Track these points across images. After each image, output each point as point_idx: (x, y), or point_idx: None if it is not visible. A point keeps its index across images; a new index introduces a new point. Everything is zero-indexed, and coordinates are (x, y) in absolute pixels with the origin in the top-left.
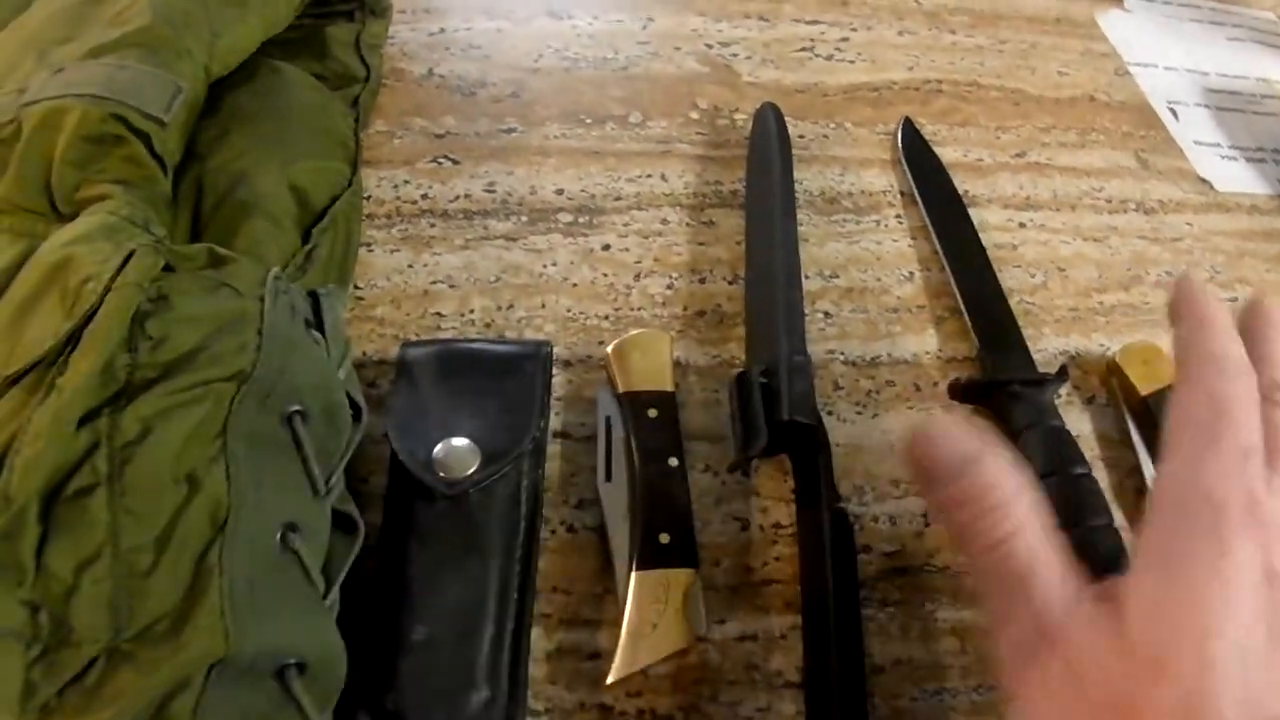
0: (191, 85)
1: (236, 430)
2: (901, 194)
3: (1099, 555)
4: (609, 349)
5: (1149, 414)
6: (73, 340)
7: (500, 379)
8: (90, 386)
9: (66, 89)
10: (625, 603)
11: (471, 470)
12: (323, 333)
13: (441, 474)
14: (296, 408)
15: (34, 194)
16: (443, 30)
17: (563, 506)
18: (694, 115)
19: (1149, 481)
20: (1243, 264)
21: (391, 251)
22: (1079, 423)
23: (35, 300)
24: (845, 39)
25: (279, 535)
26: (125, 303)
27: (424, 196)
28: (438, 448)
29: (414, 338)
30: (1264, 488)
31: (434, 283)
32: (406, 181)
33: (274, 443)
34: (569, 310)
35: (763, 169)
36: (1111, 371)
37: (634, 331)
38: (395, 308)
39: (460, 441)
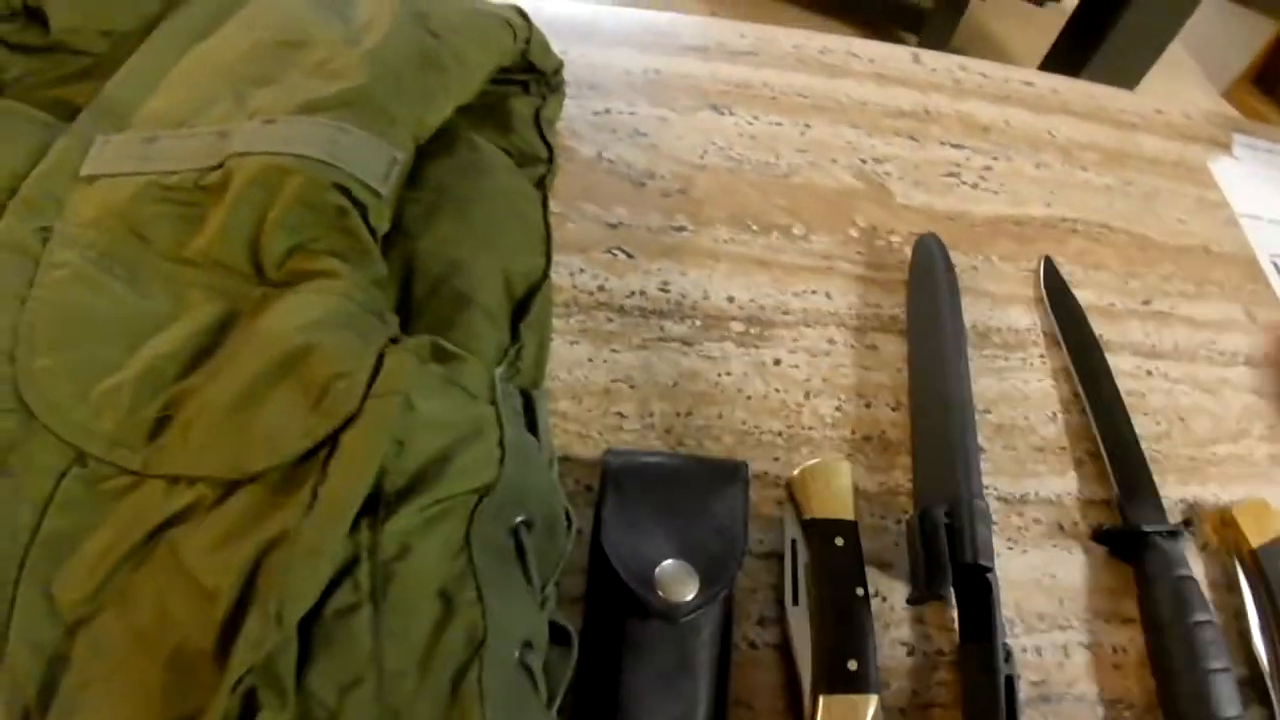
0: (405, 155)
1: (478, 543)
2: (1044, 334)
3: (1218, 697)
4: (795, 473)
5: (1258, 564)
6: (327, 444)
7: (705, 499)
8: (358, 501)
9: (285, 146)
10: None
11: (692, 595)
12: (537, 437)
13: (662, 593)
14: (523, 518)
15: (238, 252)
16: (608, 111)
17: (744, 623)
18: (853, 234)
19: (1252, 626)
20: None
21: (571, 344)
22: (1193, 567)
23: (269, 386)
24: (988, 167)
25: (517, 654)
26: (389, 412)
27: (600, 288)
28: (658, 569)
29: (597, 436)
30: None
31: (614, 380)
32: (582, 270)
33: (503, 554)
34: (744, 423)
35: (928, 299)
36: (1226, 523)
37: (812, 453)
38: (577, 403)
39: (678, 564)
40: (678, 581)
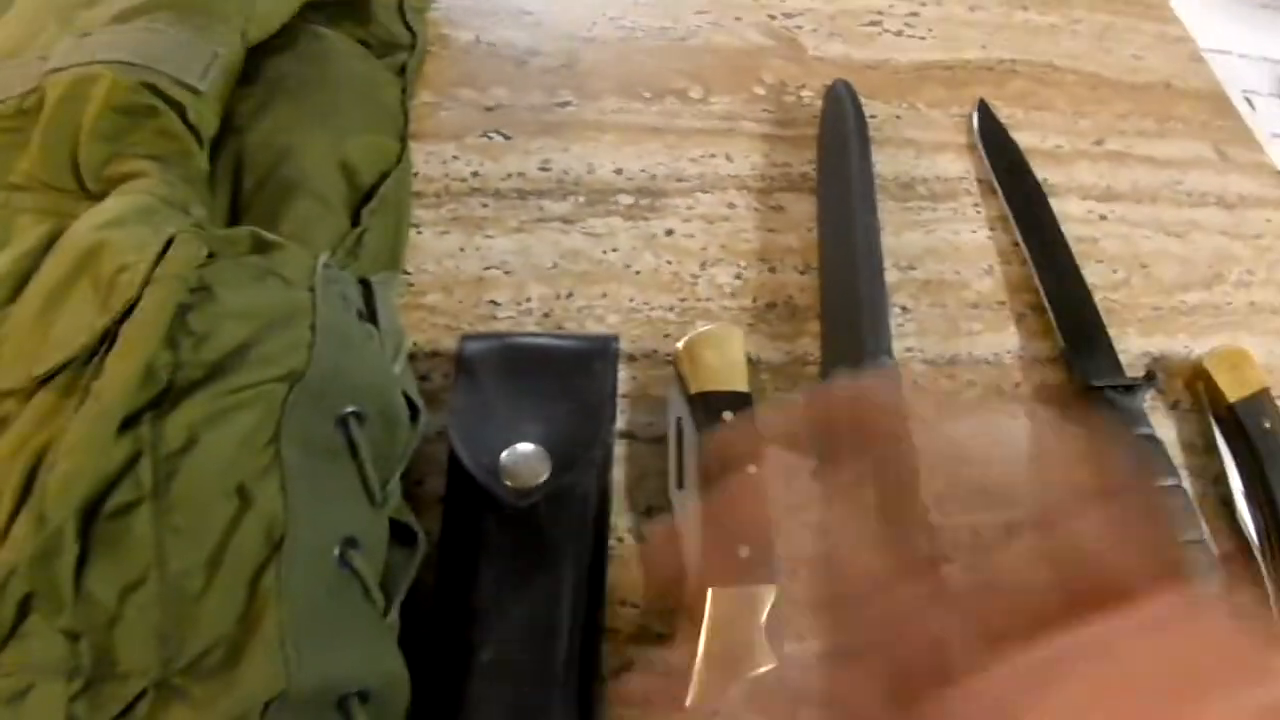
0: (228, 51)
1: (290, 436)
2: (979, 181)
3: (1190, 575)
4: (679, 346)
5: (1236, 422)
6: (108, 337)
7: (567, 378)
8: (130, 391)
9: (93, 56)
10: (702, 621)
11: (542, 479)
12: (376, 325)
13: (509, 482)
14: (352, 409)
15: (60, 170)
16: None
17: (629, 513)
18: (759, 91)
19: (1235, 494)
20: None
21: (441, 234)
22: (1162, 429)
23: (65, 290)
24: (915, 14)
25: (337, 552)
26: (167, 296)
27: (474, 174)
28: (505, 454)
29: (469, 328)
30: None
31: (488, 268)
32: (455, 157)
33: (328, 449)
34: (632, 300)
35: (838, 151)
36: (1198, 376)
37: (704, 327)
38: (447, 295)
39: (529, 447)
40: (527, 466)
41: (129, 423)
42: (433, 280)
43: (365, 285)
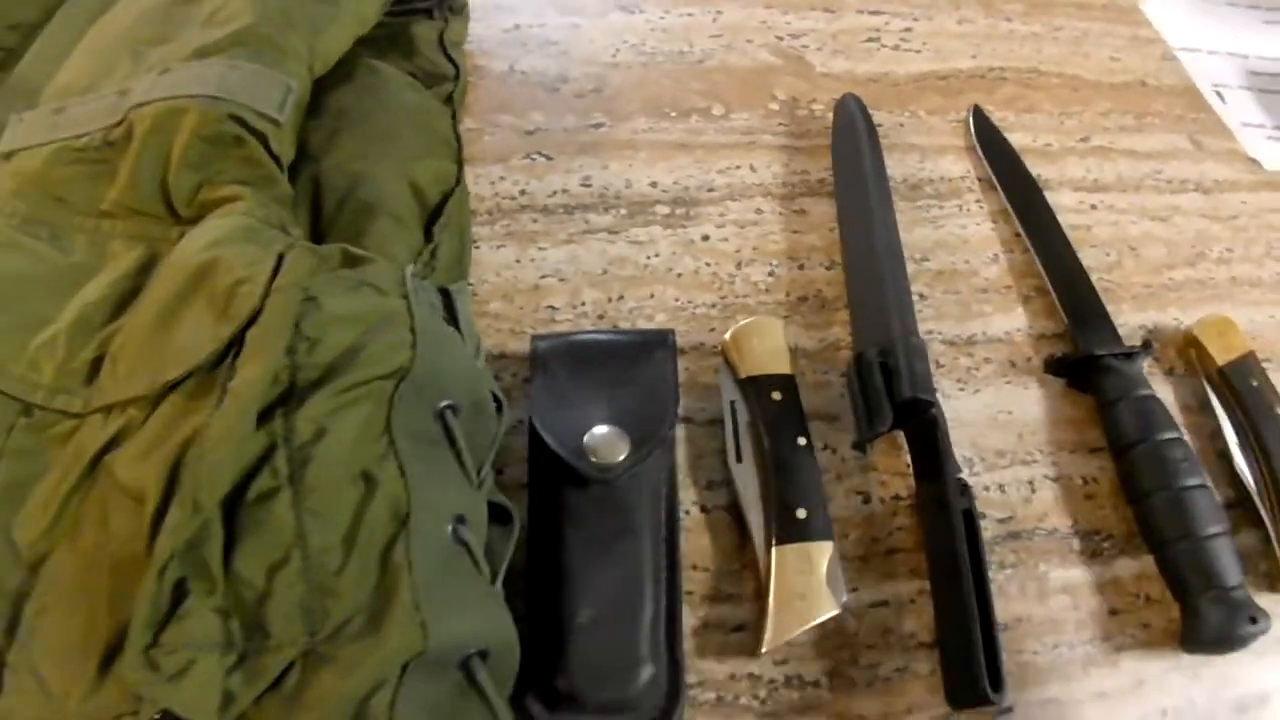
0: (299, 84)
1: (400, 427)
2: (979, 179)
3: (1196, 514)
4: (726, 336)
5: (1227, 383)
6: (233, 344)
7: (633, 367)
8: (264, 389)
9: (178, 90)
10: (769, 577)
11: (623, 456)
12: (458, 328)
13: (594, 460)
14: (448, 403)
15: (150, 197)
16: (517, 26)
17: (693, 488)
18: (774, 107)
19: (1231, 446)
20: None
21: (498, 247)
22: (1160, 393)
23: (181, 304)
24: (909, 29)
25: (450, 528)
26: (288, 304)
27: (522, 192)
28: (587, 436)
29: (531, 331)
30: None
31: (543, 277)
32: (502, 178)
33: (430, 438)
34: (676, 300)
35: (851, 157)
36: (1189, 344)
37: (747, 319)
38: (508, 302)
39: (608, 429)
40: (608, 445)
41: (261, 419)
42: (494, 289)
43: (444, 293)
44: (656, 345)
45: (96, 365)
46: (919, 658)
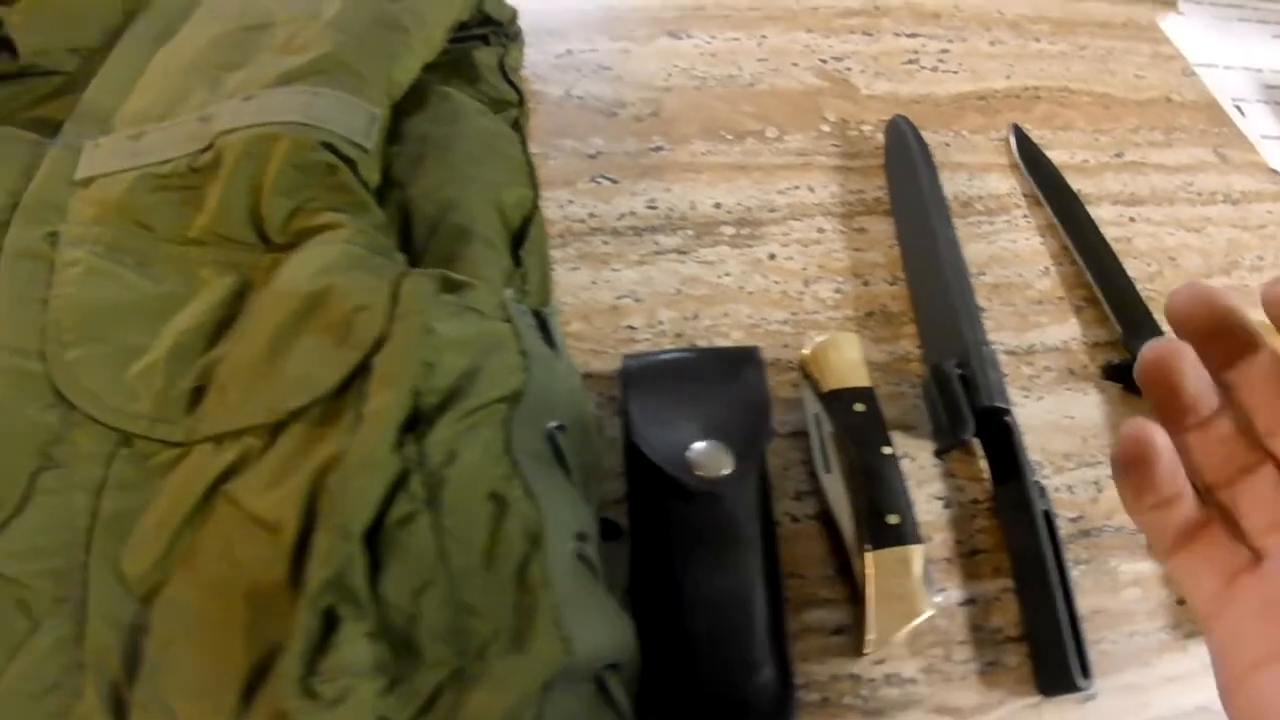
0: (382, 111)
1: (519, 447)
2: (1025, 195)
3: None
4: (806, 352)
5: None
6: (358, 371)
7: (725, 383)
8: (401, 414)
9: (268, 116)
10: (866, 581)
11: (728, 469)
12: (555, 350)
13: (699, 474)
14: (556, 423)
15: (240, 224)
16: (569, 52)
17: (783, 499)
18: (824, 128)
19: None
20: None
21: (572, 269)
22: None
23: (293, 332)
24: (945, 50)
25: (573, 545)
26: (415, 330)
27: (591, 215)
28: (689, 451)
29: (612, 351)
30: None
31: (619, 298)
32: (570, 201)
33: (543, 458)
34: (750, 317)
35: (907, 176)
36: None
37: (820, 334)
38: (588, 323)
39: (709, 443)
40: (711, 459)
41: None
42: (573, 311)
43: (538, 316)
44: (745, 361)
45: (196, 394)
46: (1008, 651)
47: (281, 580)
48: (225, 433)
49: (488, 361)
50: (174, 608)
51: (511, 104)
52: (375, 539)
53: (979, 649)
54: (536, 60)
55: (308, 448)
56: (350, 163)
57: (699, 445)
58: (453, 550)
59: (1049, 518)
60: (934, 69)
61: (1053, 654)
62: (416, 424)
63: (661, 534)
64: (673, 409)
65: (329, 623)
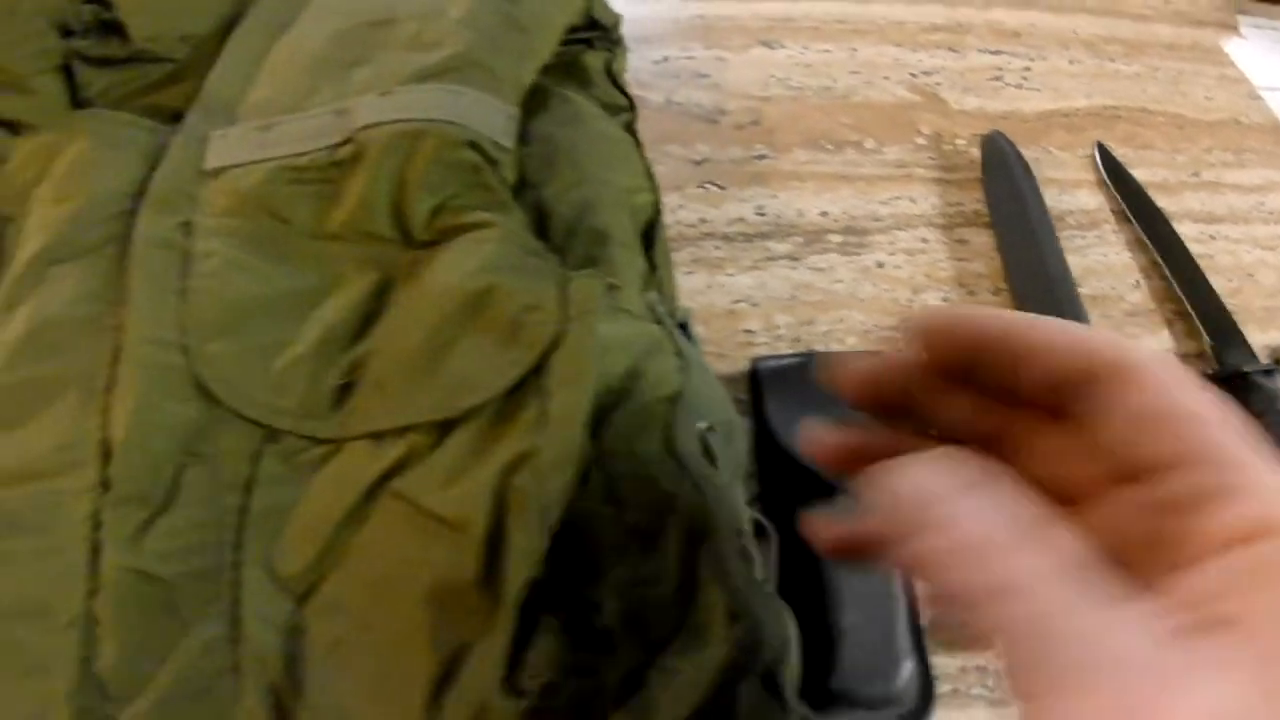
0: (516, 111)
1: (681, 448)
2: (1113, 212)
3: None
4: None
5: None
6: (535, 370)
7: None
8: (588, 413)
9: (411, 112)
10: None
11: None
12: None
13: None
14: (707, 424)
15: (382, 220)
16: (666, 59)
17: None
18: (920, 141)
19: None
20: None
21: (687, 274)
22: None
23: (455, 331)
24: (1027, 68)
25: (737, 541)
26: (590, 330)
27: (701, 220)
28: None
29: (731, 354)
30: None
31: (735, 302)
32: (681, 206)
33: (699, 458)
34: (862, 323)
35: (1008, 190)
36: None
37: None
38: (706, 326)
39: None
40: None
41: None
42: (692, 314)
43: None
44: None
45: (345, 389)
46: None
47: (470, 578)
48: (386, 430)
49: (649, 363)
50: (335, 608)
51: (623, 108)
52: (562, 536)
53: None
54: (636, 66)
55: (486, 446)
56: (493, 162)
57: None
58: (633, 549)
59: None
60: (1018, 86)
61: None
62: (593, 424)
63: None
64: (808, 411)
65: (525, 619)
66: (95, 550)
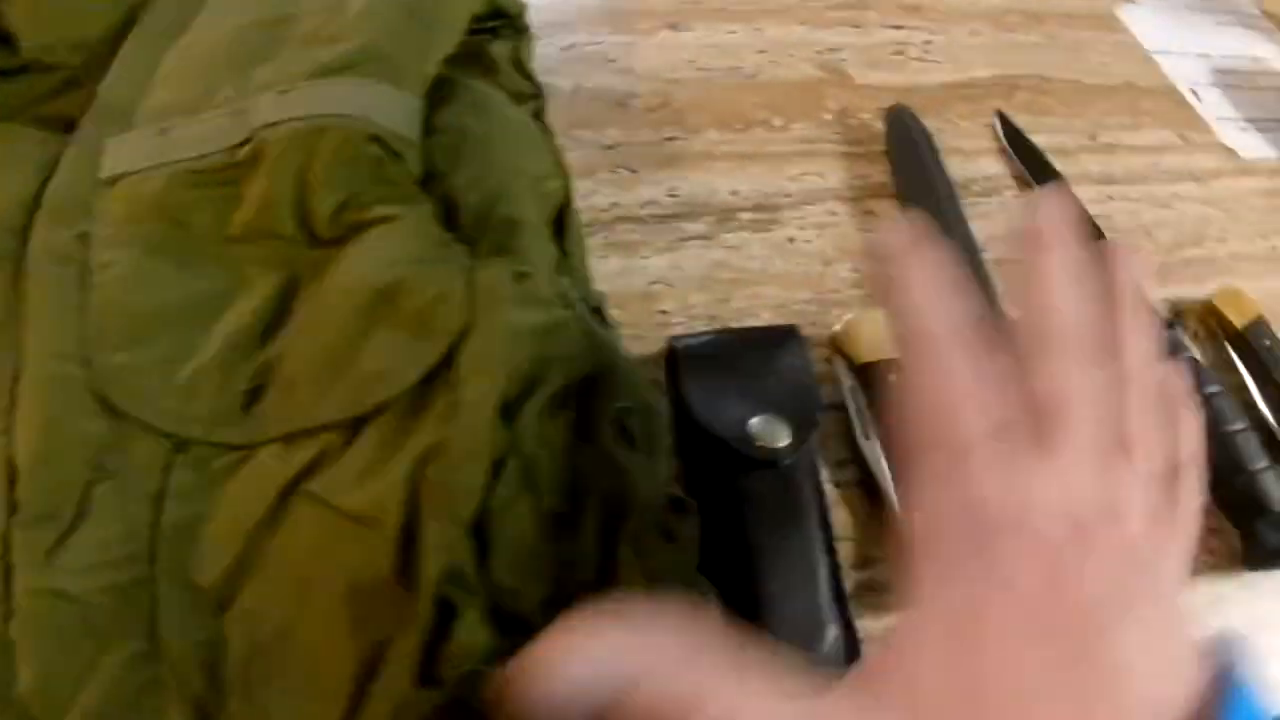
0: (420, 102)
1: (601, 430)
2: (1014, 178)
3: (1246, 452)
4: (837, 329)
5: (1245, 343)
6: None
7: (771, 360)
8: (498, 402)
9: (312, 109)
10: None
11: (786, 440)
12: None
13: (761, 445)
14: (623, 404)
15: (285, 220)
16: (574, 45)
17: (826, 466)
18: (827, 117)
19: (1255, 397)
20: (1275, 219)
21: (602, 258)
22: None
23: (366, 326)
24: (929, 41)
25: (655, 518)
26: (499, 319)
27: (614, 204)
28: (750, 424)
29: (649, 335)
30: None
31: (651, 283)
32: (594, 191)
33: (615, 439)
34: (776, 298)
35: (912, 161)
36: (1209, 312)
37: (849, 313)
38: (623, 309)
39: (765, 417)
40: (770, 431)
41: None
42: (608, 298)
43: (589, 302)
44: (787, 338)
45: (254, 394)
46: None
47: (385, 574)
48: (296, 432)
49: (557, 349)
50: (253, 615)
51: (530, 96)
52: (478, 525)
53: None
54: (544, 53)
55: (398, 440)
56: (398, 155)
57: (757, 419)
58: (552, 534)
59: None
60: (920, 59)
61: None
62: (506, 411)
63: (731, 506)
64: (726, 386)
65: (443, 610)
66: (7, 573)
